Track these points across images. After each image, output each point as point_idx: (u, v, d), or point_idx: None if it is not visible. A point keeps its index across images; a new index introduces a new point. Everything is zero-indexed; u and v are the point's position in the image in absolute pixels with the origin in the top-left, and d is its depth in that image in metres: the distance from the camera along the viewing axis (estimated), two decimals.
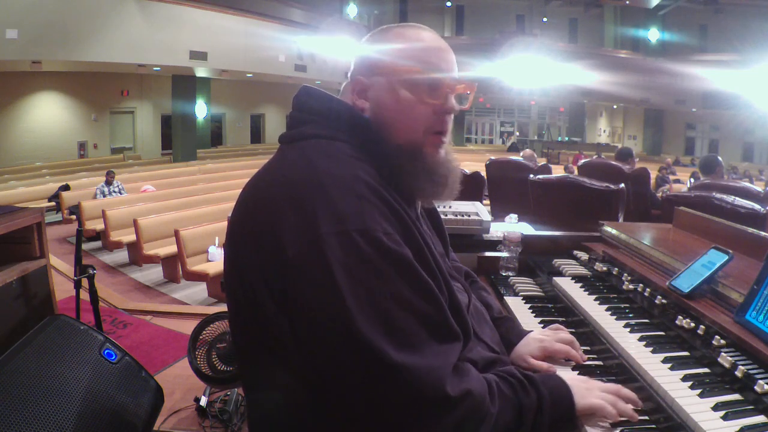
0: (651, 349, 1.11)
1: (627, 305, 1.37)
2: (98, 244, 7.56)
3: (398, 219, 0.85)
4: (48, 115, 13.99)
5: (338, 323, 0.76)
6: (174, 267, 6.18)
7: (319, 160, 0.86)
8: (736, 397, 0.92)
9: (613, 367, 1.14)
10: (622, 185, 3.23)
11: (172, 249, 5.98)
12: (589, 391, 0.92)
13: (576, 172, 5.69)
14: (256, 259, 0.84)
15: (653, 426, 0.94)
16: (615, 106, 24.99)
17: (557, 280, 1.60)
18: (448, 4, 23.38)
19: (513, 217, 2.22)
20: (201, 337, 2.27)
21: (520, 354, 1.12)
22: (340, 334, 0.76)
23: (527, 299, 1.57)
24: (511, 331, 1.18)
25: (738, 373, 0.94)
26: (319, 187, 0.82)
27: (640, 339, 1.16)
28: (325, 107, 0.97)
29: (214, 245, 5.96)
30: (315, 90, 1.00)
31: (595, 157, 10.85)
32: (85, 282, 2.15)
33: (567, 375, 0.98)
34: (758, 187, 3.97)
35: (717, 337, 1.06)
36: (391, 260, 0.80)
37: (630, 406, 0.93)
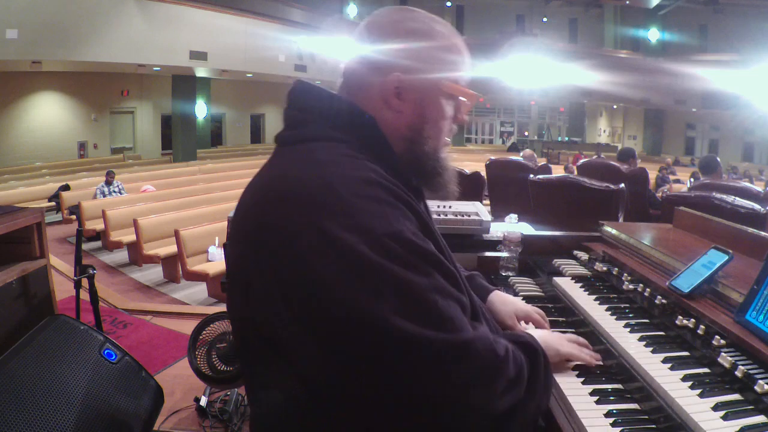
0: (651, 349, 1.11)
1: (627, 305, 1.37)
2: (98, 244, 7.56)
3: (416, 216, 0.86)
4: (48, 115, 13.99)
5: (387, 327, 0.75)
6: (174, 267, 6.18)
7: (327, 168, 0.83)
8: (736, 397, 0.92)
9: (613, 367, 1.14)
10: (622, 185, 3.23)
11: (172, 249, 5.98)
12: (561, 342, 1.12)
13: (576, 172, 5.69)
14: (267, 263, 0.81)
15: (653, 426, 0.94)
16: (615, 106, 24.99)
17: (557, 280, 1.60)
18: (448, 4, 23.36)
19: (513, 217, 2.22)
20: (201, 337, 2.27)
21: (505, 312, 1.26)
22: (390, 337, 0.75)
23: (527, 299, 1.57)
24: (480, 288, 1.30)
25: (738, 373, 0.94)
26: (336, 197, 0.78)
27: (640, 339, 1.16)
28: (326, 106, 0.93)
29: (214, 245, 5.96)
30: (312, 86, 0.95)
31: (594, 157, 10.85)
32: (85, 282, 2.14)
33: (538, 332, 1.09)
34: (758, 187, 3.98)
35: (717, 337, 1.06)
36: (425, 256, 0.81)
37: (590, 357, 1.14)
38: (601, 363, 1.16)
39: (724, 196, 2.84)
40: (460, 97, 0.98)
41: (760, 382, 0.89)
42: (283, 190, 0.83)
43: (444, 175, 0.99)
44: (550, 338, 1.10)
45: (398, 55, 0.92)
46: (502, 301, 1.29)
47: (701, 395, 0.93)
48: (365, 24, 0.97)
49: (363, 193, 0.80)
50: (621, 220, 3.17)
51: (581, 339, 1.18)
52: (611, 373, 1.13)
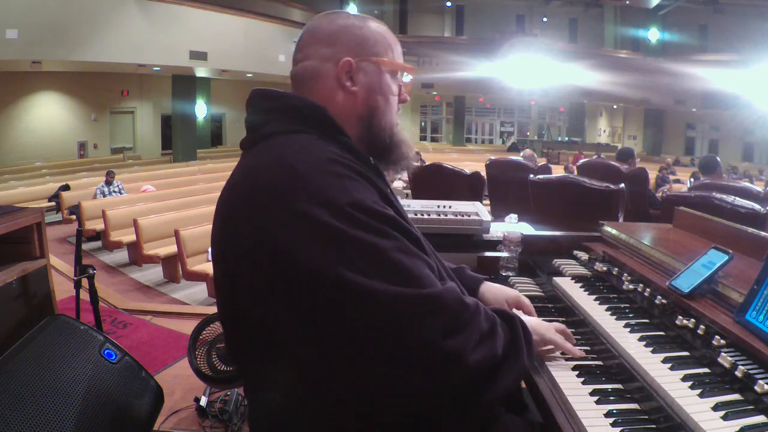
0: (651, 349, 1.11)
1: (627, 305, 1.37)
2: (98, 244, 7.56)
3: (376, 189, 0.92)
4: (48, 115, 13.99)
5: (360, 289, 0.80)
6: (174, 267, 6.17)
7: (288, 154, 0.89)
8: (736, 397, 0.92)
9: (613, 367, 1.14)
10: (622, 185, 3.23)
11: (172, 249, 5.97)
12: (549, 329, 1.16)
13: (576, 172, 5.69)
14: (245, 250, 0.86)
15: (653, 426, 0.94)
16: (615, 106, 24.98)
17: (557, 280, 1.60)
18: (448, 4, 23.36)
19: (513, 217, 2.22)
20: (201, 337, 2.27)
21: (496, 302, 1.29)
22: (363, 298, 0.80)
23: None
24: (470, 279, 1.32)
25: (738, 373, 0.94)
26: (298, 178, 0.85)
27: (640, 339, 1.16)
28: (281, 104, 1.00)
29: None
30: (267, 90, 1.03)
31: (594, 157, 10.85)
32: (85, 282, 2.14)
33: (526, 318, 1.11)
34: (758, 187, 3.97)
35: (717, 337, 1.06)
36: (386, 221, 0.87)
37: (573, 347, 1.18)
38: (581, 362, 1.16)
39: (724, 196, 2.84)
40: (402, 75, 1.09)
41: (760, 382, 0.89)
42: (250, 183, 0.90)
43: (401, 147, 1.09)
44: (537, 324, 1.15)
45: (344, 44, 1.02)
46: (491, 291, 1.32)
47: (701, 395, 0.92)
48: (307, 29, 1.07)
49: (323, 170, 0.86)
50: (621, 220, 3.17)
51: (567, 331, 1.22)
52: (611, 373, 1.13)
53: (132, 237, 6.55)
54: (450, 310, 0.85)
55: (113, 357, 1.69)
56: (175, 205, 7.71)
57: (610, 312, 1.32)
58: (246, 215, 0.87)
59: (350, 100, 1.02)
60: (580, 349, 1.19)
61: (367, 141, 1.03)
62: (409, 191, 5.66)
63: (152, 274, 6.49)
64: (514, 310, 1.28)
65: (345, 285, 0.80)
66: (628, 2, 20.08)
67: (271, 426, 0.94)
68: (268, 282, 0.83)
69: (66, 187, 9.43)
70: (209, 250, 5.88)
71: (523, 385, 1.18)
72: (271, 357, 0.89)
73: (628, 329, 1.22)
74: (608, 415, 0.96)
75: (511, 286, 1.68)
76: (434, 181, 4.42)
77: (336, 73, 1.01)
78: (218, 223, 0.95)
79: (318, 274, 0.80)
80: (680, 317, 1.17)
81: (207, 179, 10.79)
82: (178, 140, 14.81)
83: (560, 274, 1.67)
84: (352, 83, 1.02)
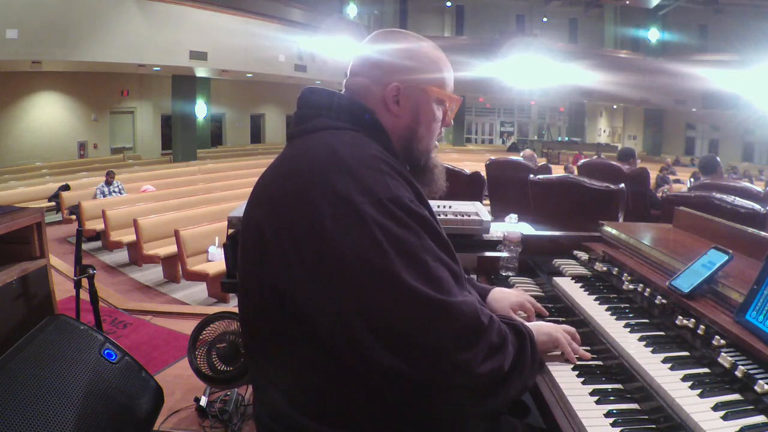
0: (651, 349, 1.11)
1: (627, 305, 1.37)
2: (98, 244, 7.56)
3: (413, 189, 0.96)
4: (48, 115, 13.99)
5: (385, 274, 0.85)
6: (174, 267, 6.18)
7: (338, 145, 0.95)
8: (736, 397, 0.92)
9: (613, 367, 1.14)
10: (622, 185, 3.23)
11: (172, 249, 5.98)
12: (556, 328, 1.17)
13: (576, 172, 5.69)
14: (285, 225, 0.90)
15: (653, 426, 0.94)
16: (615, 106, 24.99)
17: (557, 280, 1.60)
18: (448, 4, 23.37)
19: (513, 217, 2.22)
20: (201, 337, 2.27)
21: (501, 308, 1.31)
22: (387, 284, 0.85)
23: None
24: (478, 288, 1.35)
25: (738, 373, 0.94)
26: (346, 167, 0.90)
27: (640, 339, 1.16)
28: (331, 102, 1.05)
29: (214, 245, 5.96)
30: (318, 88, 1.08)
31: (594, 157, 10.84)
32: (85, 282, 2.14)
33: (533, 323, 1.16)
34: (758, 187, 3.97)
35: (717, 337, 1.06)
36: (419, 220, 0.91)
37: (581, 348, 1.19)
38: (581, 362, 1.17)
39: (724, 196, 2.84)
40: (447, 102, 1.11)
41: (760, 382, 0.89)
42: (299, 165, 0.95)
43: (435, 171, 1.14)
44: (544, 324, 1.19)
45: (396, 67, 1.07)
46: (496, 299, 1.35)
47: (701, 395, 0.92)
48: (366, 42, 1.12)
49: (368, 165, 0.92)
50: (621, 220, 3.17)
51: (573, 331, 1.22)
52: (611, 373, 1.13)
53: (132, 237, 6.56)
54: (465, 322, 0.89)
55: (113, 357, 1.69)
56: (175, 205, 7.71)
57: (610, 312, 1.32)
58: (291, 192, 0.92)
59: (394, 122, 1.06)
60: (581, 349, 1.20)
61: (403, 157, 1.07)
62: None
63: (152, 274, 6.49)
64: (520, 313, 1.32)
65: (370, 267, 0.84)
66: (628, 2, 20.10)
67: (280, 413, 0.95)
68: (301, 254, 0.88)
69: (66, 187, 9.44)
70: (209, 250, 5.89)
71: None
72: (289, 333, 0.92)
73: (628, 329, 1.22)
74: (608, 415, 0.96)
75: (511, 286, 1.69)
76: None
77: (383, 96, 1.06)
78: (259, 196, 1.01)
79: (347, 254, 0.85)
80: (680, 317, 1.17)
81: (207, 179, 10.78)
82: (178, 140, 14.80)
83: (560, 274, 1.67)
84: (397, 107, 1.06)
